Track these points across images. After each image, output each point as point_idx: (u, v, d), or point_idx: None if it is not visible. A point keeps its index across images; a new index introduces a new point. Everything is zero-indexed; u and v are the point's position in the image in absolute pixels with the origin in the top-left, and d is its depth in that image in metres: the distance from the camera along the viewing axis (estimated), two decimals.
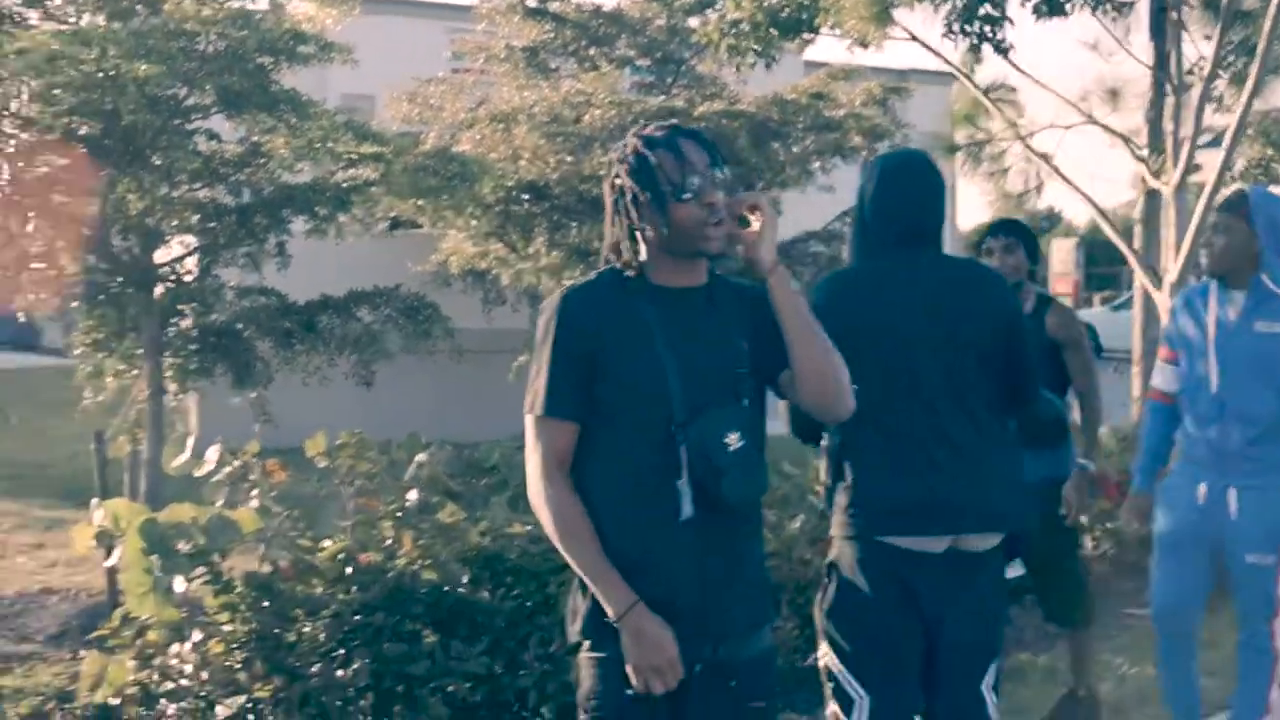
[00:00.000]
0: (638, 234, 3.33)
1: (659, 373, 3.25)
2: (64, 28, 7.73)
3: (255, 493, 6.74)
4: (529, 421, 3.33)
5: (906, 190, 4.21)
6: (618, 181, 3.35)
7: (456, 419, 12.55)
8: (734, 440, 3.21)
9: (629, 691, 3.24)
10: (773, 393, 3.44)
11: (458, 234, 14.05)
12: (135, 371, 8.59)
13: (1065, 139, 12.32)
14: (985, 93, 10.72)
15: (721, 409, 3.25)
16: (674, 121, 3.42)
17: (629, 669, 3.22)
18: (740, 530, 3.33)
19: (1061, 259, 47.58)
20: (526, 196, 13.82)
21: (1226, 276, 5.33)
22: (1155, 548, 5.54)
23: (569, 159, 13.81)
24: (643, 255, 3.34)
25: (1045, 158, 10.44)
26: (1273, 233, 5.27)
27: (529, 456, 3.33)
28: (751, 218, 3.32)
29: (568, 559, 3.32)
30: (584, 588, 3.32)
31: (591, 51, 15.75)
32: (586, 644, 3.35)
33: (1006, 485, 4.14)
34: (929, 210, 4.22)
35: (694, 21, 15.41)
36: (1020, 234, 6.32)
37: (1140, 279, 9.72)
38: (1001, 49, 9.75)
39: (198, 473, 6.68)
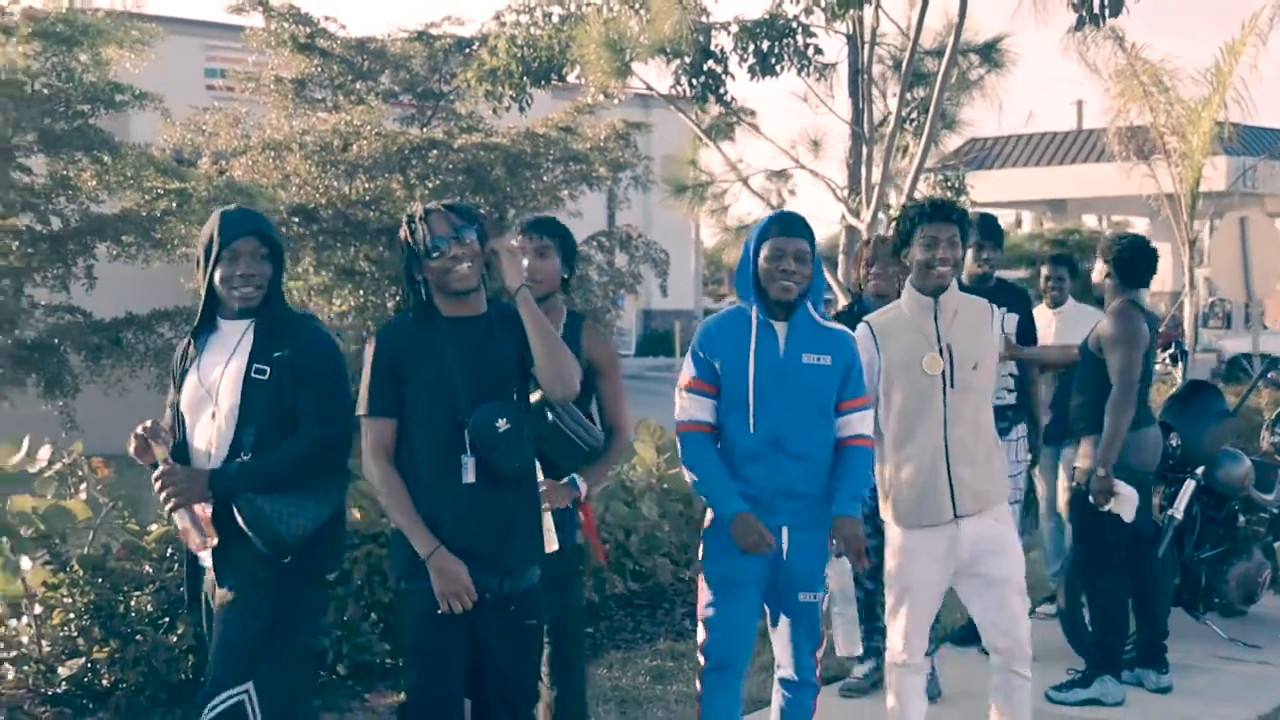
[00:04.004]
0: (417, 281, 4.59)
1: (447, 380, 4.50)
2: None
3: (83, 486, 7.69)
4: (362, 421, 4.58)
5: None
6: (400, 243, 4.65)
7: None
8: (503, 424, 4.47)
9: (438, 612, 4.46)
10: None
11: None
12: None
13: (797, 177, 13.74)
14: (712, 136, 12.13)
15: (494, 402, 4.49)
16: (444, 201, 4.69)
17: (437, 595, 4.45)
18: (514, 491, 4.57)
19: None
20: (296, 219, 14.66)
21: (774, 306, 5.08)
22: (712, 594, 5.16)
23: (336, 185, 14.76)
24: (424, 297, 4.59)
25: (760, 196, 11.93)
26: (819, 260, 5.20)
27: (363, 445, 4.58)
28: (501, 258, 4.61)
29: (391, 517, 4.58)
30: (403, 539, 4.54)
31: (357, 85, 16.69)
32: (405, 579, 4.58)
33: None
34: None
35: (454, 60, 16.49)
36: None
37: (842, 301, 11.22)
38: (724, 101, 11.15)
39: (31, 469, 7.55)
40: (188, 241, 10.29)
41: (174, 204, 9.59)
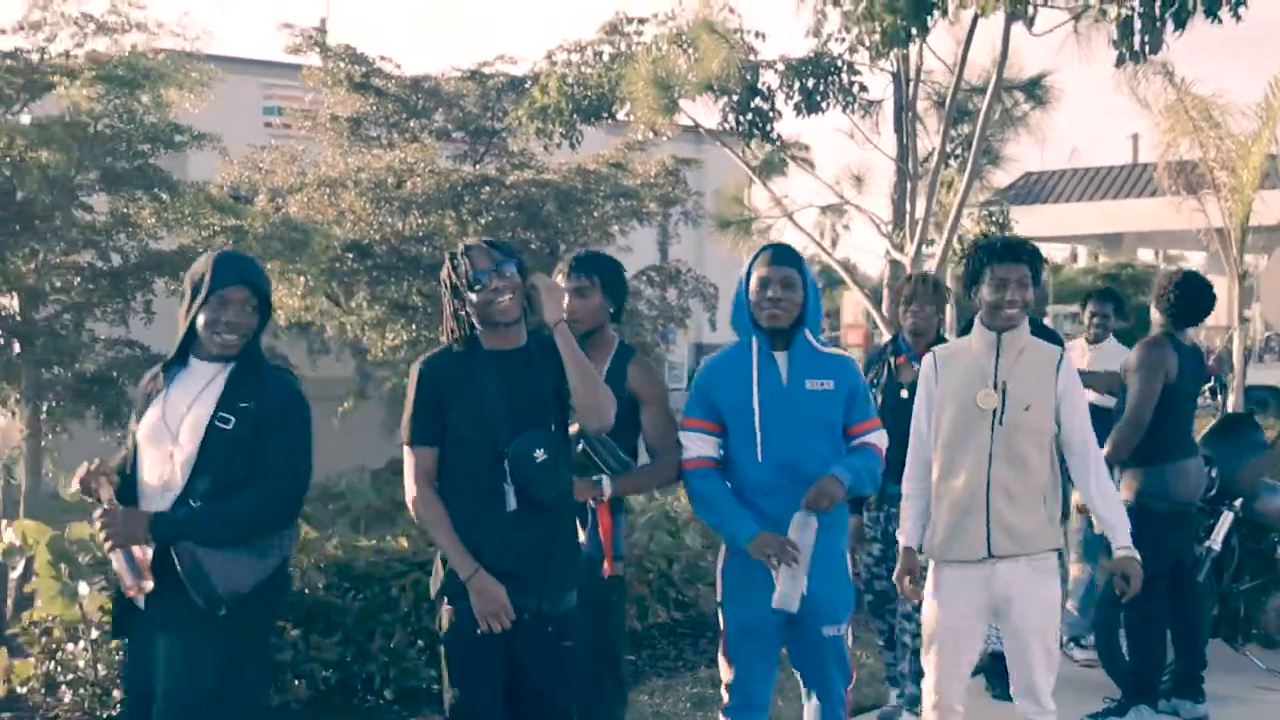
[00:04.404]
0: (459, 314, 4.73)
1: (487, 411, 4.64)
2: None
3: None
4: (405, 449, 4.72)
5: None
6: (442, 279, 4.79)
7: None
8: (540, 454, 4.61)
9: (477, 631, 4.60)
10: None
11: (282, 289, 15.04)
12: (14, 414, 9.66)
13: (850, 213, 13.75)
14: (764, 171, 12.32)
15: (532, 433, 4.63)
16: (481, 239, 4.85)
17: (476, 615, 4.58)
18: (552, 518, 4.70)
19: (852, 311, 50.04)
20: (350, 255, 14.89)
21: (771, 336, 5.12)
22: (732, 635, 5.23)
23: (390, 221, 15.00)
24: (467, 330, 4.72)
25: (806, 232, 12.09)
26: (815, 288, 5.20)
27: (405, 471, 4.73)
28: (540, 292, 4.73)
29: (433, 540, 4.72)
30: (445, 561, 4.69)
31: (411, 123, 16.98)
32: (445, 600, 4.72)
33: None
34: None
35: (506, 98, 16.77)
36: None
37: (887, 335, 11.33)
38: (769, 138, 11.32)
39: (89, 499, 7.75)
40: None
41: (230, 241, 9.88)
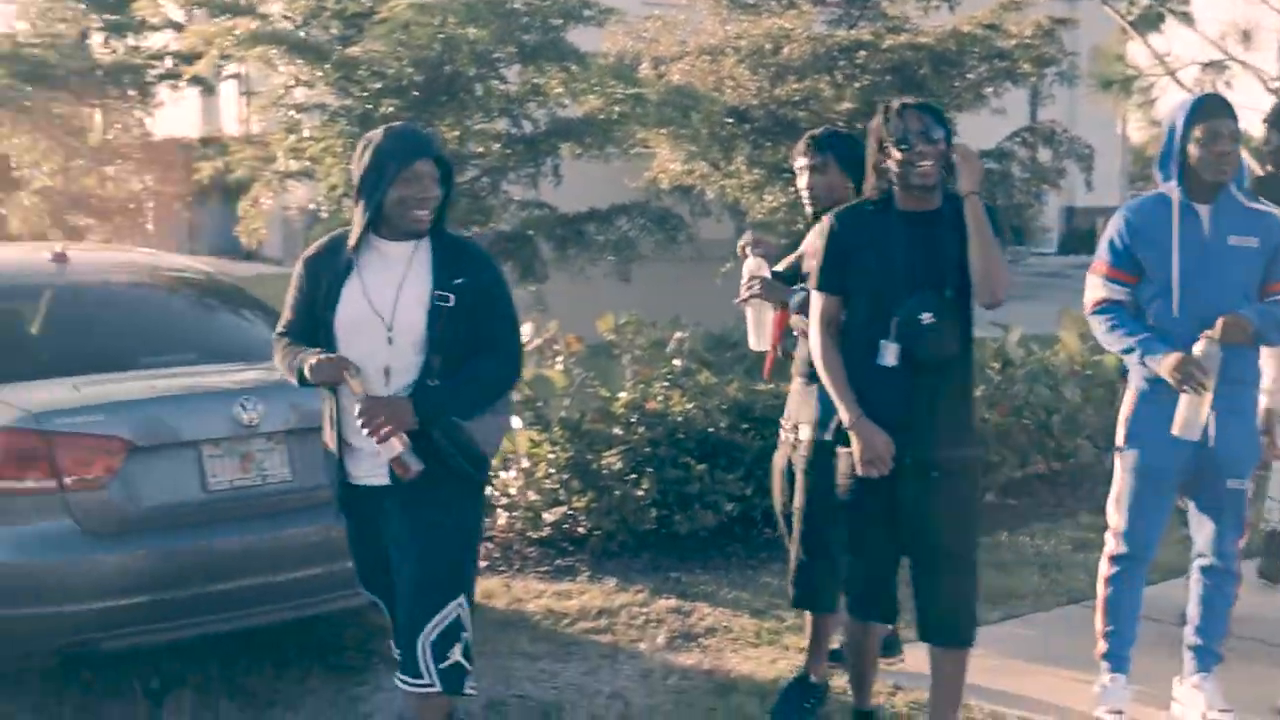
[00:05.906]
0: (881, 167, 4.89)
1: (887, 270, 4.85)
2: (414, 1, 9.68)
3: (560, 359, 8.73)
4: (812, 294, 5.02)
5: None
6: (871, 129, 4.98)
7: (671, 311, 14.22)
8: (927, 318, 4.76)
9: (859, 474, 4.90)
10: None
11: (664, 154, 15.65)
12: None
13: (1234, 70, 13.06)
14: (1140, 28, 12.15)
15: (924, 295, 4.79)
16: (915, 99, 5.02)
17: (855, 460, 4.87)
18: (938, 377, 4.79)
19: None
20: (729, 120, 15.38)
21: (1198, 190, 5.07)
22: (1132, 481, 5.24)
23: (767, 87, 15.42)
24: (886, 186, 4.88)
25: (1189, 90, 11.86)
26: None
27: (811, 317, 5.02)
28: (958, 161, 4.85)
29: (824, 384, 4.99)
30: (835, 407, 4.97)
31: None
32: (835, 444, 5.04)
33: None
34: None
35: None
36: None
37: None
38: None
39: None
40: (640, 143, 11.33)
41: (631, 108, 10.53)
